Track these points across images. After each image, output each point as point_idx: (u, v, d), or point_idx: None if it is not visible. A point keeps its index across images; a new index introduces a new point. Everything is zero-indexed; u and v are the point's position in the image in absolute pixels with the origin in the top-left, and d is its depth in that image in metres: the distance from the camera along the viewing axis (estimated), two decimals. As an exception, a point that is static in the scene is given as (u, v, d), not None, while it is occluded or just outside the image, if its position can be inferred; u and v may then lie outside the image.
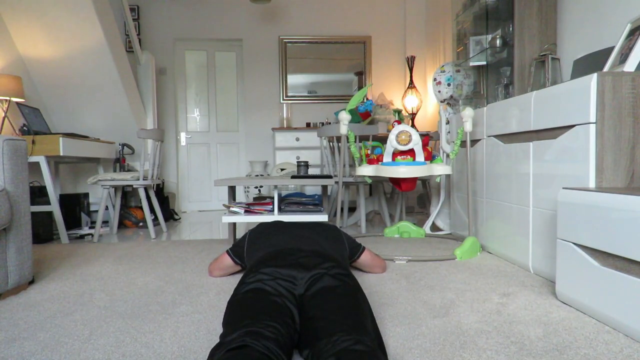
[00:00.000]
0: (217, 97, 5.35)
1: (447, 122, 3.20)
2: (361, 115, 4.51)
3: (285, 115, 5.14)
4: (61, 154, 3.08)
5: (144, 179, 3.35)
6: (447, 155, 3.15)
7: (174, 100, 5.20)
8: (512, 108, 2.20)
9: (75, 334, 1.37)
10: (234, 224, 2.99)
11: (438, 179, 2.83)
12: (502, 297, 1.68)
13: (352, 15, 5.25)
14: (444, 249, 2.64)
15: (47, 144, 3.07)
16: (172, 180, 5.16)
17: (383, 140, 4.21)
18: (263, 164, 4.82)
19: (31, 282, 2.01)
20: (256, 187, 4.66)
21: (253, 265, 1.40)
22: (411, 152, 2.53)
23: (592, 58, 2.33)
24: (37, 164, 3.27)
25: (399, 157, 2.55)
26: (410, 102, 4.86)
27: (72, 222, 3.68)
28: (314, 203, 2.93)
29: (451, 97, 3.62)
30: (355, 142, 3.18)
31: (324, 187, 3.18)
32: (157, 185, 4.32)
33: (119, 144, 4.08)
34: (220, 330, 1.39)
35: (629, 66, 1.84)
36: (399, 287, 1.85)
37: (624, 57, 1.91)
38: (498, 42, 2.91)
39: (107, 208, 4.04)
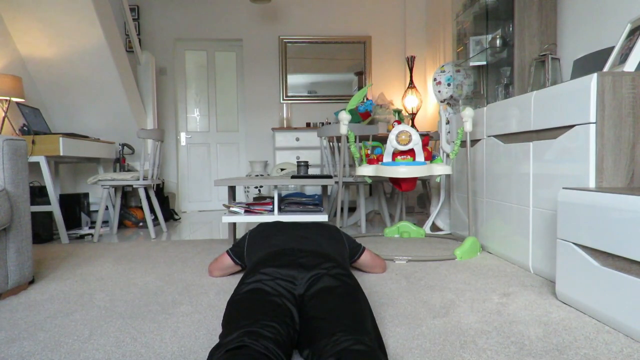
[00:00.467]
0: (217, 97, 5.35)
1: (447, 122, 3.20)
2: (361, 115, 4.51)
3: (285, 115, 5.14)
4: (61, 154, 3.08)
5: (144, 179, 3.35)
6: (447, 155, 3.15)
7: (174, 100, 5.20)
8: (512, 108, 2.20)
9: (75, 334, 1.37)
10: (234, 224, 2.99)
11: (438, 179, 2.83)
12: (502, 297, 1.68)
13: (352, 15, 5.25)
14: (444, 249, 2.64)
15: (47, 144, 3.07)
16: (172, 180, 5.16)
17: (383, 140, 4.21)
18: (263, 164, 4.82)
19: (31, 282, 2.01)
20: (256, 187, 4.66)
21: (253, 265, 1.40)
22: (411, 152, 2.53)
23: (592, 58, 2.33)
24: (37, 164, 3.27)
25: (399, 157, 2.55)
26: (410, 102, 4.86)
27: (72, 222, 3.68)
28: (314, 203, 2.93)
29: (451, 97, 3.62)
30: (355, 142, 3.18)
31: (324, 187, 3.18)
32: (157, 185, 4.32)
33: (119, 144, 4.08)
34: (220, 330, 1.39)
35: (629, 66, 1.84)
36: (399, 287, 1.85)
37: (624, 57, 1.91)
38: (498, 42, 2.91)
39: (107, 208, 4.04)
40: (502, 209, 2.34)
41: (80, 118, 3.99)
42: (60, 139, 3.08)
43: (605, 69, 2.01)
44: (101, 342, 1.31)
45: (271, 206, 2.87)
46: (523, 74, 2.69)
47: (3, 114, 3.24)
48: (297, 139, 4.73)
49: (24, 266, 1.87)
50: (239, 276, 2.04)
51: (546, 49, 2.64)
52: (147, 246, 2.90)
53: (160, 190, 4.41)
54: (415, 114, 4.89)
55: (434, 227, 3.41)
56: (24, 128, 3.26)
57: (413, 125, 4.80)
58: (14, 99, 3.25)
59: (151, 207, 3.81)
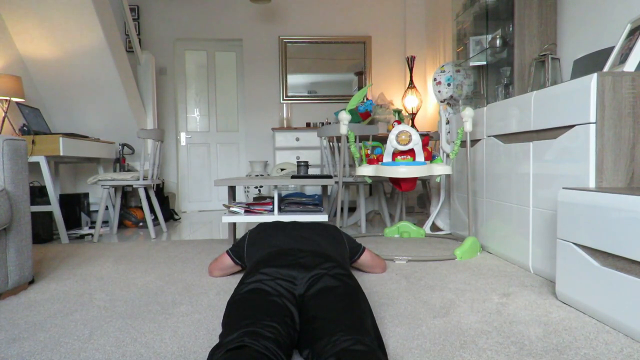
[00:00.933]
0: (217, 97, 5.35)
1: (447, 122, 3.20)
2: (361, 115, 4.51)
3: (285, 115, 5.14)
4: (61, 154, 3.08)
5: (144, 179, 3.35)
6: (447, 155, 3.15)
7: (174, 100, 5.20)
8: (512, 108, 2.20)
9: (75, 334, 1.37)
10: (234, 224, 2.99)
11: (438, 179, 2.83)
12: (502, 297, 1.68)
13: (352, 15, 5.25)
14: (444, 249, 2.64)
15: (47, 144, 3.07)
16: (172, 180, 5.16)
17: (383, 140, 4.20)
18: (263, 164, 4.82)
19: (31, 282, 2.01)
20: (256, 187, 4.66)
21: (253, 265, 1.40)
22: (411, 152, 2.53)
23: (592, 58, 2.33)
24: (37, 164, 3.27)
25: (399, 157, 2.55)
26: (410, 102, 4.86)
27: (72, 222, 3.68)
28: (314, 203, 2.93)
29: (451, 97, 3.62)
30: (355, 142, 3.18)
31: (324, 187, 3.18)
32: (157, 185, 4.32)
33: (119, 144, 4.08)
34: (220, 330, 1.39)
35: (629, 66, 1.84)
36: (399, 287, 1.85)
37: (624, 57, 1.91)
38: (498, 42, 2.91)
39: (107, 208, 4.04)
40: (502, 209, 2.34)
41: (80, 118, 3.99)
42: (60, 139, 3.08)
43: (605, 69, 2.01)
44: (101, 342, 1.31)
45: (271, 206, 2.87)
46: (523, 74, 2.69)
47: (3, 114, 3.24)
48: (297, 139, 4.73)
49: (24, 266, 1.87)
50: (239, 276, 2.04)
51: (546, 49, 2.64)
52: (147, 246, 2.90)
53: (160, 190, 4.41)
54: (415, 114, 4.89)
55: (434, 227, 3.41)
56: (24, 128, 3.26)
57: (413, 125, 4.80)
58: (14, 99, 3.25)
59: (151, 207, 3.81)
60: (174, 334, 1.37)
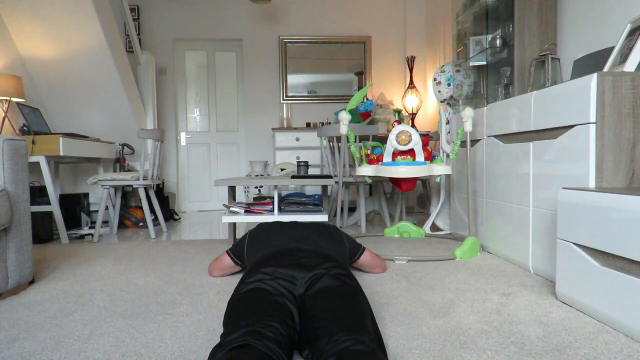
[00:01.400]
0: (217, 97, 5.35)
1: (447, 122, 3.20)
2: (361, 115, 4.51)
3: (285, 115, 5.14)
4: (61, 154, 3.08)
5: (144, 179, 3.35)
6: (447, 155, 3.15)
7: (174, 100, 5.20)
8: (512, 108, 2.20)
9: (75, 334, 1.37)
10: (234, 224, 2.99)
11: (438, 179, 2.83)
12: (502, 297, 1.68)
13: (352, 15, 5.25)
14: (444, 249, 2.64)
15: (47, 144, 3.07)
16: (172, 180, 5.16)
17: (383, 140, 4.20)
18: (263, 164, 4.82)
19: (31, 282, 2.01)
20: (256, 187, 4.66)
21: (253, 265, 1.40)
22: (411, 152, 2.53)
23: (592, 58, 2.33)
24: (37, 164, 3.27)
25: (399, 157, 2.55)
26: (410, 102, 4.86)
27: (72, 222, 3.68)
28: (314, 203, 2.93)
29: (451, 97, 3.62)
30: (355, 142, 3.18)
31: (324, 187, 3.18)
32: (157, 185, 4.32)
33: (119, 144, 4.08)
34: (220, 330, 1.39)
35: (629, 66, 1.84)
36: (399, 287, 1.85)
37: (624, 57, 1.91)
38: (498, 42, 2.91)
39: (107, 208, 4.04)
40: (502, 209, 2.34)
41: (80, 118, 3.99)
42: (60, 139, 3.08)
43: (605, 69, 2.01)
44: (101, 342, 1.31)
45: (271, 206, 2.87)
46: (523, 74, 2.69)
47: (3, 114, 3.24)
48: (297, 139, 4.73)
49: (24, 266, 1.87)
50: (239, 276, 2.04)
51: (546, 49, 2.64)
52: (147, 246, 2.90)
53: (160, 190, 4.41)
54: (415, 114, 4.89)
55: (434, 227, 3.41)
56: (24, 128, 3.26)
57: (413, 125, 4.80)
58: (14, 99, 3.25)
59: (151, 207, 3.81)
60: (174, 334, 1.37)
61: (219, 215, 4.78)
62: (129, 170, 4.06)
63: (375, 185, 3.71)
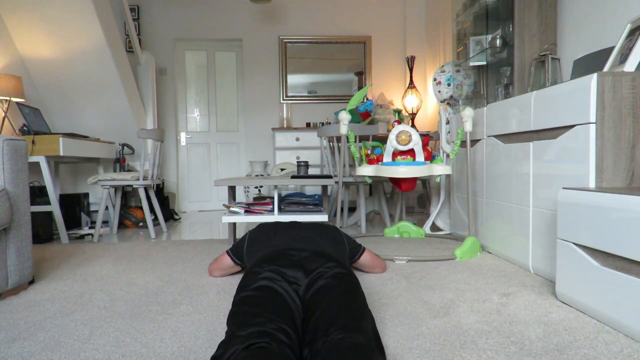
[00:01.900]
0: (217, 97, 5.35)
1: (447, 122, 3.20)
2: (361, 115, 4.51)
3: (285, 115, 5.14)
4: (61, 154, 3.08)
5: (144, 179, 3.35)
6: (447, 155, 3.15)
7: (174, 100, 5.20)
8: (512, 108, 2.20)
9: (75, 334, 1.37)
10: (234, 224, 2.99)
11: (438, 179, 2.83)
12: (502, 297, 1.68)
13: (352, 15, 5.25)
14: (444, 249, 2.64)
15: (47, 144, 3.07)
16: (172, 180, 5.16)
17: (383, 140, 4.20)
18: (263, 164, 4.82)
19: (31, 282, 2.01)
20: (256, 187, 4.66)
21: (253, 264, 1.40)
22: (411, 152, 2.53)
23: (592, 58, 2.33)
24: (37, 164, 3.27)
25: (399, 157, 2.55)
26: (410, 102, 4.86)
27: (72, 222, 3.68)
28: (314, 203, 2.93)
29: (451, 97, 3.62)
30: (355, 142, 3.18)
31: (324, 187, 3.18)
32: (157, 185, 4.32)
33: (119, 144, 4.08)
34: (220, 330, 1.39)
35: (629, 66, 1.84)
36: (399, 287, 1.85)
37: (624, 57, 1.91)
38: (498, 42, 2.91)
39: (107, 208, 4.04)
40: (502, 209, 2.34)
41: (80, 118, 3.99)
42: (60, 139, 3.08)
43: (605, 69, 2.01)
44: (101, 342, 1.31)
45: (271, 206, 2.87)
46: (523, 74, 2.69)
47: (3, 114, 3.24)
48: (297, 139, 4.73)
49: (24, 266, 1.87)
50: (239, 276, 2.04)
51: (546, 49, 2.64)
52: (147, 246, 2.90)
53: (160, 190, 4.41)
54: (415, 114, 4.89)
55: (434, 227, 3.41)
56: (24, 128, 3.26)
57: (413, 125, 4.80)
58: (14, 99, 3.25)
59: (151, 207, 3.81)
60: (174, 334, 1.37)
61: (219, 215, 4.78)
62: (129, 170, 4.06)
63: (375, 185, 3.71)
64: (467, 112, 2.50)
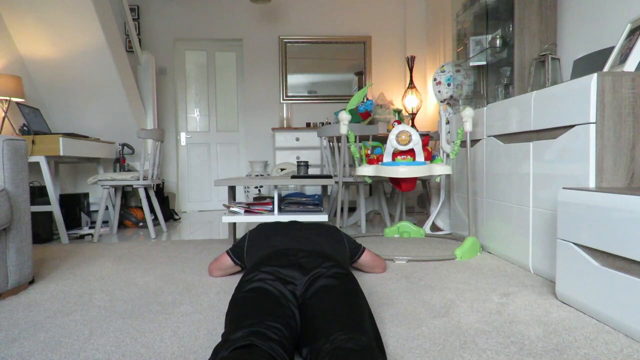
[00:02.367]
0: (217, 97, 5.35)
1: (447, 122, 3.20)
2: (361, 115, 4.51)
3: (285, 115, 5.14)
4: (61, 154, 3.08)
5: (144, 179, 3.35)
6: (447, 155, 3.15)
7: (174, 100, 5.20)
8: (512, 108, 2.20)
9: (75, 334, 1.37)
10: (234, 224, 2.99)
11: (438, 179, 2.83)
12: (502, 297, 1.68)
13: (352, 15, 5.25)
14: (444, 249, 2.64)
15: (47, 144, 3.07)
16: (172, 180, 5.16)
17: (383, 140, 4.20)
18: (263, 164, 4.82)
19: (31, 282, 2.01)
20: (256, 187, 4.66)
21: (253, 265, 1.40)
22: (411, 152, 2.53)
23: (592, 58, 2.33)
24: (37, 164, 3.27)
25: (399, 157, 2.55)
26: (410, 102, 4.86)
27: (72, 222, 3.68)
28: (314, 203, 2.93)
29: (451, 97, 3.62)
30: (355, 142, 3.18)
31: (324, 187, 3.18)
32: (157, 185, 4.32)
33: (119, 144, 4.08)
34: (220, 329, 1.39)
35: (629, 66, 1.84)
36: (399, 287, 1.85)
37: (624, 57, 1.91)
38: (498, 42, 2.91)
39: (107, 208, 4.04)
40: (502, 209, 2.34)
41: (80, 118, 3.99)
42: (60, 139, 3.08)
43: (605, 69, 2.01)
44: (101, 342, 1.31)
45: (271, 206, 2.87)
46: (523, 74, 2.69)
47: (3, 114, 3.24)
48: (297, 139, 4.73)
49: (24, 266, 1.87)
50: (239, 276, 2.04)
51: (546, 49, 2.64)
52: (147, 246, 2.90)
53: (160, 190, 4.41)
54: (415, 114, 4.89)
55: (434, 227, 3.41)
56: (24, 128, 3.26)
57: (413, 125, 4.80)
58: (14, 99, 3.25)
59: (151, 207, 3.81)
60: (174, 334, 1.37)
61: (219, 215, 4.78)
62: (129, 170, 4.06)
63: (375, 185, 3.71)
64: (467, 112, 2.50)
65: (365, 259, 1.99)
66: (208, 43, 5.26)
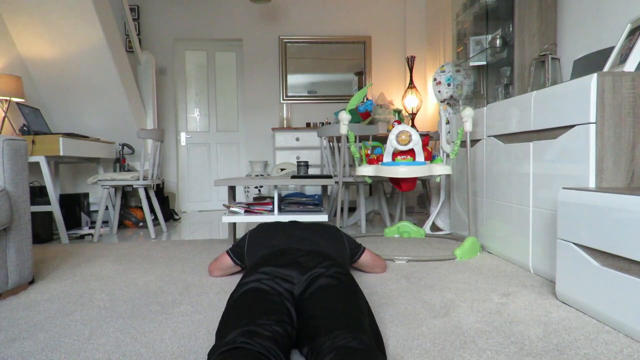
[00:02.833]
0: (217, 97, 5.35)
1: (447, 122, 3.20)
2: (361, 115, 4.51)
3: (285, 115, 5.14)
4: (61, 154, 3.08)
5: (144, 179, 3.35)
6: (447, 155, 3.15)
7: (174, 100, 5.20)
8: (512, 108, 2.20)
9: (75, 334, 1.37)
10: (234, 224, 2.99)
11: (438, 179, 2.83)
12: (502, 297, 1.68)
13: (352, 15, 5.25)
14: (444, 249, 2.64)
15: (47, 144, 3.07)
16: (172, 180, 5.16)
17: (383, 140, 4.20)
18: (263, 164, 4.82)
19: (31, 282, 2.01)
20: (256, 187, 4.66)
21: (253, 265, 1.40)
22: (411, 152, 2.53)
23: (592, 58, 2.33)
24: (37, 164, 3.27)
25: (399, 157, 2.55)
26: (410, 102, 4.86)
27: (72, 222, 3.68)
28: (314, 203, 2.93)
29: (451, 97, 3.62)
30: (355, 142, 3.18)
31: (324, 187, 3.18)
32: (157, 185, 4.32)
33: (119, 144, 4.08)
34: (220, 330, 1.39)
35: (629, 66, 1.84)
36: (399, 287, 1.85)
37: (624, 57, 1.91)
38: (498, 42, 2.91)
39: (107, 208, 4.04)
40: (502, 209, 2.34)
41: (80, 118, 3.99)
42: (60, 139, 3.08)
43: (605, 69, 2.01)
44: (101, 342, 1.31)
45: (271, 206, 2.87)
46: (523, 74, 2.69)
47: (3, 114, 3.24)
48: (297, 139, 4.73)
49: (24, 266, 1.87)
50: (239, 276, 2.04)
51: (546, 49, 2.64)
52: (147, 246, 2.90)
53: (160, 190, 4.41)
54: (415, 114, 4.89)
55: (434, 227, 3.41)
56: (24, 128, 3.26)
57: (413, 125, 4.80)
58: (14, 99, 3.25)
59: (151, 207, 3.81)
60: (174, 334, 1.37)
61: (219, 215, 4.78)
62: (129, 170, 4.06)
63: (375, 185, 3.71)
64: (467, 112, 2.50)
65: (365, 259, 1.99)
66: (208, 43, 5.26)
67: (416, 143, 2.48)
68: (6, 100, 3.23)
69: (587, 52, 2.45)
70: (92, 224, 3.92)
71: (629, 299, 1.29)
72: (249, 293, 1.22)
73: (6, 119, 3.29)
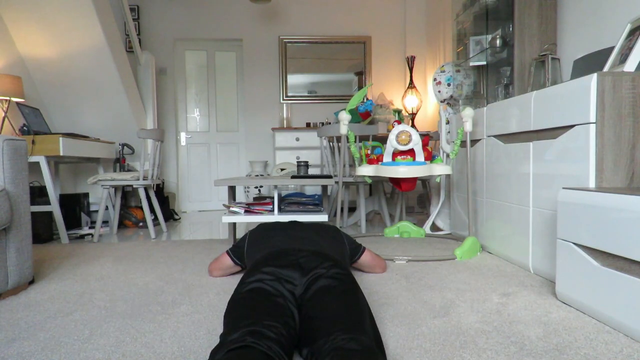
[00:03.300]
0: (217, 97, 5.35)
1: (447, 122, 3.20)
2: (361, 115, 4.51)
3: (285, 115, 5.14)
4: (61, 154, 3.08)
5: (144, 179, 3.35)
6: (447, 155, 3.15)
7: (174, 100, 5.20)
8: (512, 108, 2.20)
9: (75, 334, 1.37)
10: (234, 224, 2.99)
11: (438, 179, 2.83)
12: (502, 297, 1.68)
13: (352, 15, 5.25)
14: (444, 249, 2.64)
15: (47, 144, 3.07)
16: (172, 180, 5.16)
17: (383, 140, 4.20)
18: (263, 164, 4.82)
19: (31, 282, 2.01)
20: (256, 187, 4.66)
21: (253, 265, 1.40)
22: (411, 152, 2.53)
23: (592, 58, 2.33)
24: (37, 164, 3.27)
25: (399, 157, 2.55)
26: (410, 102, 4.86)
27: (72, 222, 3.68)
28: (314, 203, 2.93)
29: (451, 97, 3.62)
30: (355, 142, 3.18)
31: (324, 187, 3.18)
32: (157, 185, 4.32)
33: (119, 144, 4.08)
34: (220, 330, 1.39)
35: (629, 66, 1.84)
36: (399, 287, 1.85)
37: (624, 57, 1.91)
38: (498, 42, 2.91)
39: (107, 208, 4.04)
40: (502, 209, 2.34)
41: (80, 118, 3.99)
42: (60, 139, 3.08)
43: (605, 69, 2.01)
44: (101, 342, 1.31)
45: (271, 206, 2.87)
46: (523, 74, 2.69)
47: (3, 114, 3.24)
48: (297, 139, 4.73)
49: (24, 266, 1.87)
50: (239, 276, 2.04)
51: (546, 49, 2.64)
52: (147, 246, 2.90)
53: (160, 190, 4.41)
54: (415, 114, 4.89)
55: (434, 227, 3.41)
56: (24, 128, 3.26)
57: (413, 125, 4.80)
58: (14, 99, 3.25)
59: (151, 207, 3.81)
60: (174, 334, 1.37)
61: (219, 215, 4.78)
62: (129, 170, 4.06)
63: (375, 185, 3.71)
64: (467, 112, 2.50)
65: (365, 259, 1.99)
66: (208, 43, 5.26)
67: (416, 143, 2.48)
68: (6, 100, 3.23)
69: (587, 52, 2.45)
70: (92, 224, 3.92)
71: (628, 299, 1.29)
72: (252, 293, 1.22)
73: (6, 118, 3.29)
